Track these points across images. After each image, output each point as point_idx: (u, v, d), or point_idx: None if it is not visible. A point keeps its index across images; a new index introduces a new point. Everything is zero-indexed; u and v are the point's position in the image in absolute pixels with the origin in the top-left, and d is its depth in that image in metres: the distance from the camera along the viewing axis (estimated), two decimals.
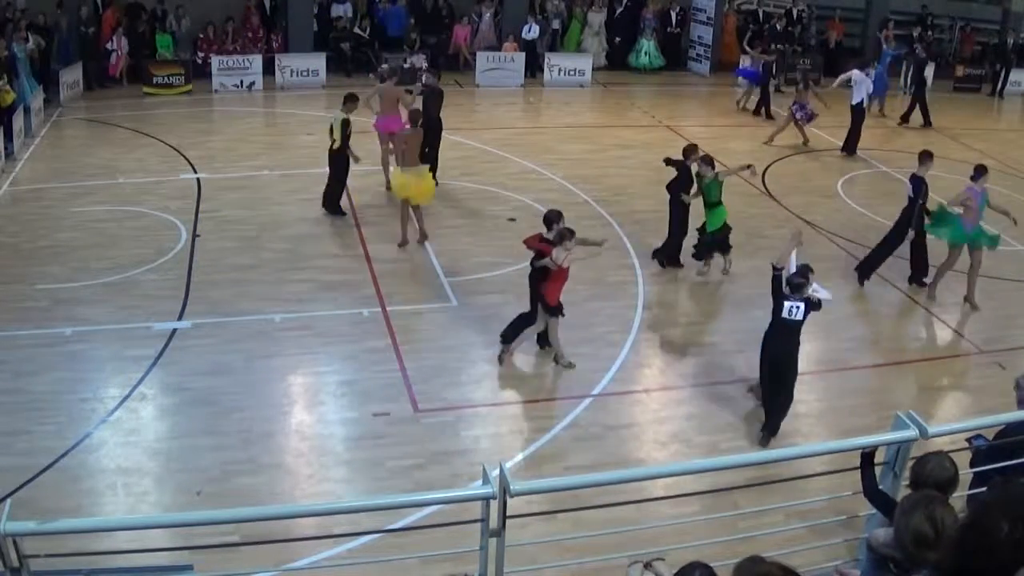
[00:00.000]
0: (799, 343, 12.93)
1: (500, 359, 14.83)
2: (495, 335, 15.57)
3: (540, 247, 14.35)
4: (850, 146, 26.24)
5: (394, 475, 12.02)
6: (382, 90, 21.16)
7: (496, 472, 6.16)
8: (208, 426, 12.82)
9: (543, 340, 15.07)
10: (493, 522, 6.35)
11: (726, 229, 17.60)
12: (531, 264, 14.55)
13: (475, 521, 6.50)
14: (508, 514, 6.33)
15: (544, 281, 14.25)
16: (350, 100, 19.48)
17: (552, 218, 14.56)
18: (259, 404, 13.41)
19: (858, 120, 26.13)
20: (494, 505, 6.25)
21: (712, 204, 17.41)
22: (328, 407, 13.56)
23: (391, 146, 20.08)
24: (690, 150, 17.81)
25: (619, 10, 35.65)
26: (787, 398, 13.25)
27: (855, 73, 26.17)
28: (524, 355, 15.30)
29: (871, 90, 26.93)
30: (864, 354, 15.60)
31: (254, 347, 14.86)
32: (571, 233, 13.98)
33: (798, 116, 26.29)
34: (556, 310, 14.39)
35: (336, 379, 14.20)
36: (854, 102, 25.99)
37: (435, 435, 12.90)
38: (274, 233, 18.93)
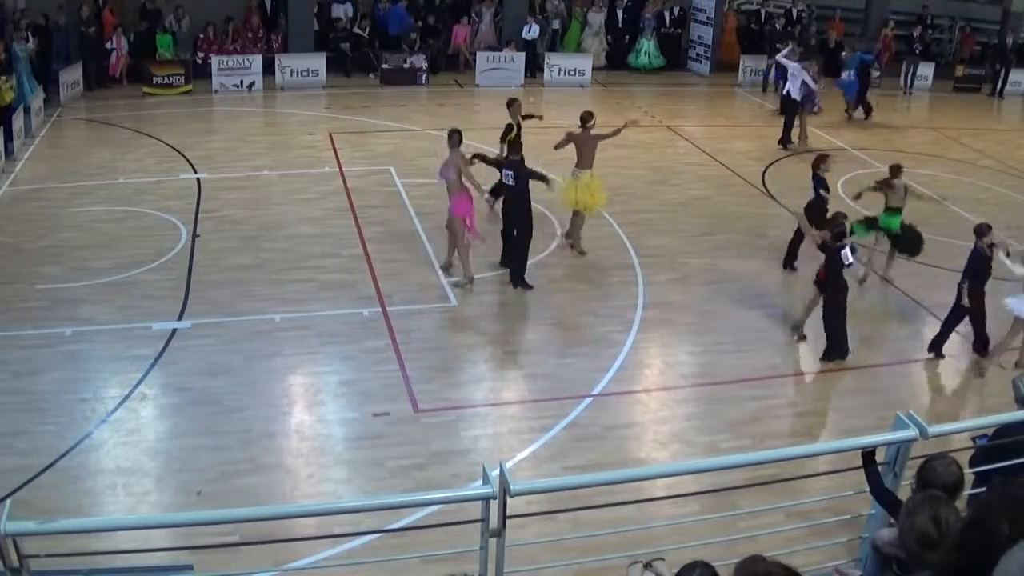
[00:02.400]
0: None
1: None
2: (494, 336, 15.72)
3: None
4: (784, 138, 26.69)
5: (394, 475, 12.02)
6: (455, 161, 16.91)
7: (496, 472, 6.15)
8: (208, 426, 12.82)
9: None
10: (493, 522, 6.34)
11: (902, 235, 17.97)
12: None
13: (475, 521, 6.49)
14: (508, 514, 6.32)
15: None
16: (512, 103, 19.33)
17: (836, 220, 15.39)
18: (259, 404, 13.41)
19: (791, 112, 26.56)
20: (494, 505, 6.24)
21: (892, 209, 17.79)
22: (328, 407, 13.56)
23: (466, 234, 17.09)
24: (820, 160, 18.24)
25: (621, 12, 35.60)
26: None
27: (793, 66, 26.28)
28: (524, 355, 15.32)
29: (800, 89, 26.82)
30: (864, 354, 15.60)
31: (254, 347, 14.86)
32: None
33: (806, 106, 26.40)
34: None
35: (336, 379, 14.21)
36: (791, 94, 26.21)
37: (435, 435, 12.90)
38: (274, 233, 18.92)
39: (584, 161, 18.34)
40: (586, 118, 18.36)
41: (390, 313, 15.99)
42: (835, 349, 15.33)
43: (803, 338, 15.85)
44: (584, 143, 18.34)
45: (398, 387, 13.94)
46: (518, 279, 17.23)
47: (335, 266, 17.66)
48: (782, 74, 29.79)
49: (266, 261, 17.72)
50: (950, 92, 35.50)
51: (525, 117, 19.64)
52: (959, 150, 27.40)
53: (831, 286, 15.12)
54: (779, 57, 27.31)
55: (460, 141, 16.88)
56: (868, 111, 30.36)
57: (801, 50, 29.29)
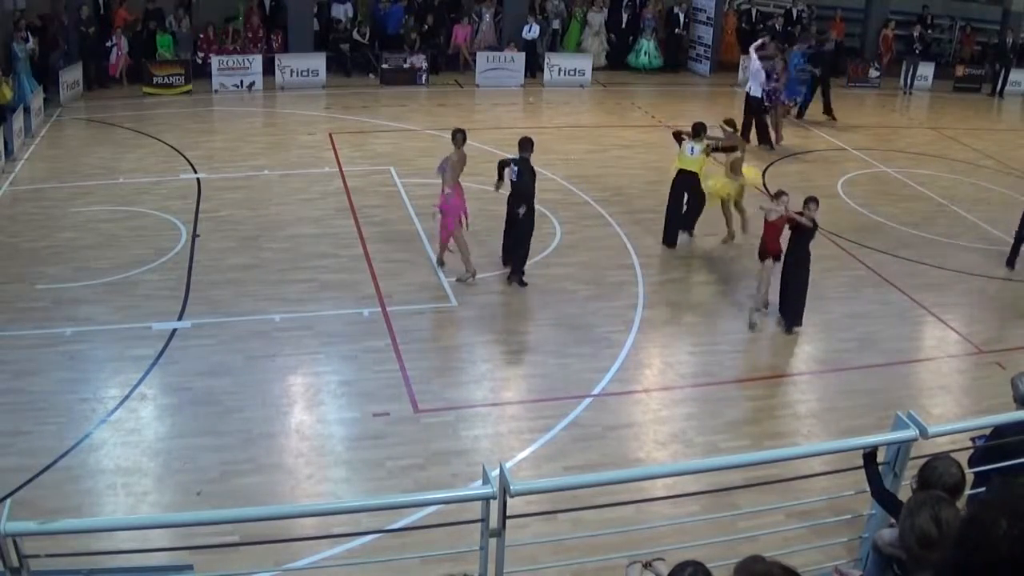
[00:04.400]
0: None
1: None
2: (495, 334, 15.72)
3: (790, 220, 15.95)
4: (760, 137, 26.54)
5: (394, 475, 12.02)
6: (454, 159, 17.02)
7: (496, 472, 6.15)
8: (208, 426, 12.81)
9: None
10: (493, 522, 6.34)
11: None
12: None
13: (475, 521, 6.50)
14: (508, 514, 6.32)
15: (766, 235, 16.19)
16: (702, 130, 19.23)
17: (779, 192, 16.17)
18: (259, 404, 13.41)
19: (752, 111, 26.46)
20: (494, 505, 6.24)
21: None
22: (328, 407, 13.56)
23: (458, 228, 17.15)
24: None
25: (625, 13, 35.58)
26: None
27: (755, 64, 26.20)
28: (524, 355, 15.33)
29: (764, 84, 26.50)
30: (864, 354, 15.60)
31: (254, 347, 14.86)
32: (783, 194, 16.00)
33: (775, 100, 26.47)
34: (768, 255, 16.13)
35: (336, 379, 14.20)
36: (751, 92, 26.46)
37: (435, 435, 12.90)
38: (274, 233, 18.91)
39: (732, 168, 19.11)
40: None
41: (390, 313, 15.99)
42: (799, 317, 16.23)
43: (762, 315, 16.37)
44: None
45: (398, 387, 13.94)
46: (516, 275, 17.32)
47: (335, 266, 17.65)
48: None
49: (266, 261, 17.71)
50: (950, 92, 35.51)
51: (718, 149, 19.67)
52: (959, 150, 27.41)
53: (803, 258, 15.94)
54: (752, 51, 26.94)
55: (464, 141, 17.07)
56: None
57: (781, 45, 29.34)
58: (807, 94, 29.94)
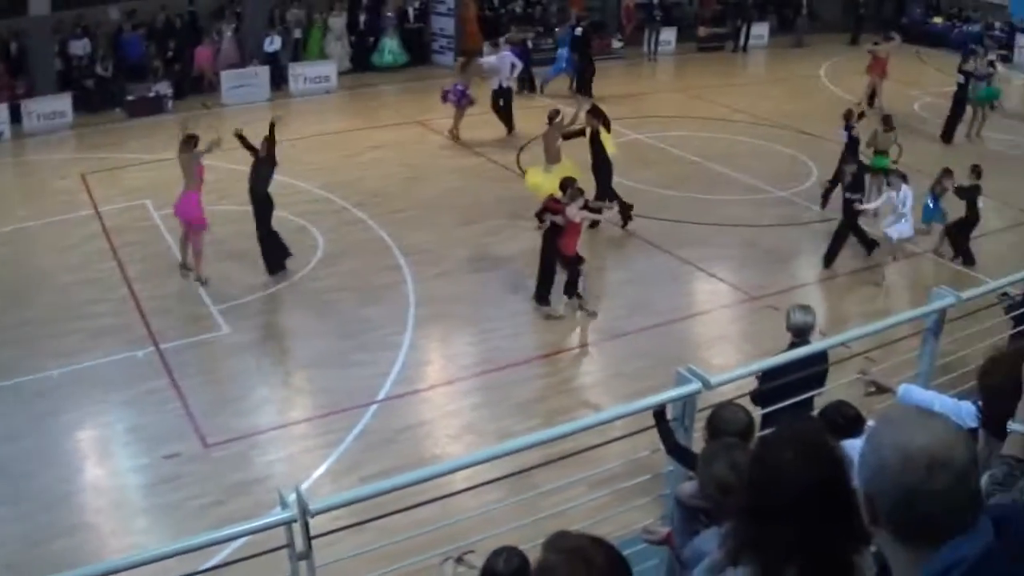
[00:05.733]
0: None
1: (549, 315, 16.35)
2: (272, 357, 15.61)
3: (553, 207, 15.99)
4: (506, 124, 27.07)
5: (195, 516, 11.75)
6: (190, 158, 17.81)
7: (293, 495, 6.08)
8: (3, 496, 12.31)
9: (570, 290, 16.34)
10: (299, 545, 6.27)
11: None
12: (539, 220, 16.75)
13: (284, 547, 6.40)
14: (313, 534, 6.25)
15: (559, 238, 15.85)
16: None
17: (567, 184, 16.03)
18: (51, 465, 12.89)
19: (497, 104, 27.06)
20: (296, 528, 6.17)
21: None
22: (118, 457, 13.20)
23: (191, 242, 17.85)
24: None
25: (362, 14, 35.46)
26: None
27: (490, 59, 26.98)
28: (304, 371, 15.18)
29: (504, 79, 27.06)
30: (639, 318, 15.91)
31: (36, 408, 14.23)
32: (581, 193, 15.99)
33: (452, 99, 26.53)
34: (575, 261, 15.98)
35: (122, 427, 13.79)
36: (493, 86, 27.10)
37: (229, 467, 12.70)
38: (39, 286, 18.13)
39: (551, 156, 19.49)
40: (552, 116, 19.71)
41: (164, 350, 15.59)
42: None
43: (594, 314, 16.27)
44: (549, 139, 19.64)
45: (184, 425, 13.63)
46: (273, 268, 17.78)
47: (104, 311, 17.03)
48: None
49: (36, 317, 16.98)
50: (695, 53, 36.41)
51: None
52: (709, 108, 28.19)
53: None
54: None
55: (195, 145, 17.65)
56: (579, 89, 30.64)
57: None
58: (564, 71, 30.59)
